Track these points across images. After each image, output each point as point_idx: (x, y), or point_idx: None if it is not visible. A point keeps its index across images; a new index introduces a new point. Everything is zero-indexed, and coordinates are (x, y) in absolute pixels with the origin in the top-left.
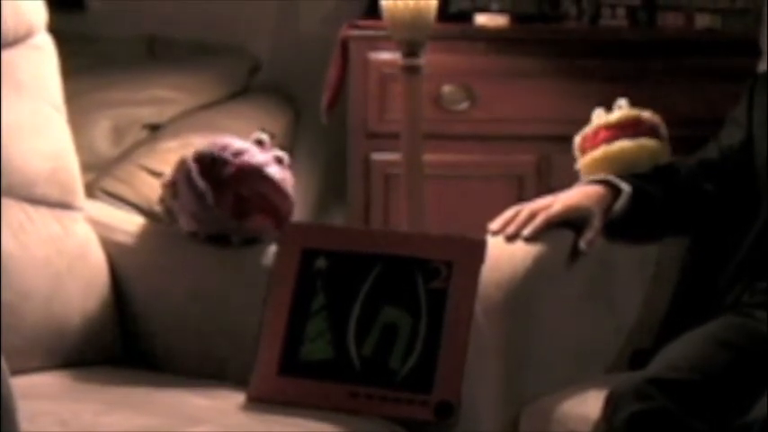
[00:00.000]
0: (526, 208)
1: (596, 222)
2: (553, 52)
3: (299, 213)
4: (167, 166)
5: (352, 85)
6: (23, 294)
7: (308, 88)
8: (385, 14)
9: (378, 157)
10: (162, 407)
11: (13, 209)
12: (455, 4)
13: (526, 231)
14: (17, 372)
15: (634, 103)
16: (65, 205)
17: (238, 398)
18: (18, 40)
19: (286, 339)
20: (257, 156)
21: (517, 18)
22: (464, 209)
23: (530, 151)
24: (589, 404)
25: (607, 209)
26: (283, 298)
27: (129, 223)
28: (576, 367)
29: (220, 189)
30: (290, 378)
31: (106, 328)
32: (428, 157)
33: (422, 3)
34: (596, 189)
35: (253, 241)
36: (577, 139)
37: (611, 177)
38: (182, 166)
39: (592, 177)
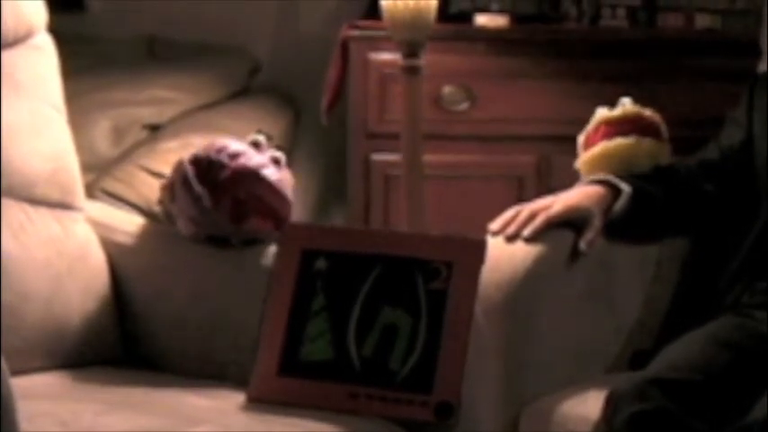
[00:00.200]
0: (526, 208)
1: (596, 223)
2: (553, 53)
3: (299, 214)
4: (167, 167)
5: (353, 86)
6: (24, 295)
7: (308, 89)
8: (385, 15)
9: (378, 157)
10: (162, 407)
11: (14, 209)
12: (455, 4)
13: (526, 232)
14: (17, 372)
15: (634, 103)
16: (65, 206)
17: (238, 398)
18: (18, 41)
19: (286, 340)
20: (254, 158)
21: (517, 18)
22: (464, 209)
23: (530, 152)
24: (589, 404)
25: (607, 209)
26: (283, 298)
27: (129, 224)
28: (576, 367)
29: (217, 192)
30: (290, 378)
31: (106, 329)
32: (428, 157)
33: (422, 3)
34: (596, 189)
35: (253, 242)
36: (581, 137)
37: (612, 177)
38: (179, 169)
39: (592, 177)
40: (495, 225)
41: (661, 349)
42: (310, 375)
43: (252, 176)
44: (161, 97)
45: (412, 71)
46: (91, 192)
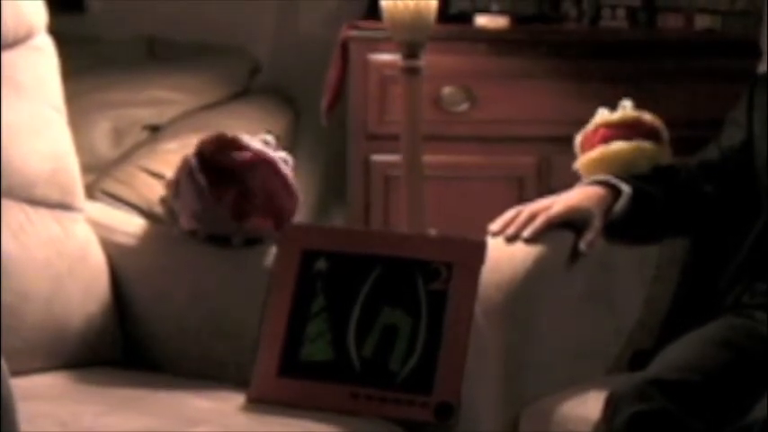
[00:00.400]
0: (526, 209)
1: (596, 223)
2: (553, 53)
3: (299, 214)
4: (167, 168)
5: (352, 87)
6: (23, 295)
7: (308, 89)
8: (385, 16)
9: (378, 158)
10: (162, 408)
11: (13, 210)
12: (455, 5)
13: (526, 233)
14: (17, 373)
15: (634, 104)
16: (65, 206)
17: (238, 399)
18: (18, 42)
19: (286, 340)
20: (270, 152)
21: (517, 19)
22: (464, 210)
23: (530, 152)
24: (589, 405)
25: (607, 210)
26: (283, 299)
27: (129, 224)
28: (577, 368)
29: (223, 183)
30: (291, 379)
31: (106, 330)
32: (428, 158)
33: (422, 4)
34: (596, 190)
35: (253, 242)
36: (579, 137)
37: (612, 178)
38: (185, 164)
39: (592, 178)
40: (495, 226)
41: (661, 350)
42: (310, 376)
43: (271, 165)
44: (161, 98)
45: (412, 72)
46: (91, 192)
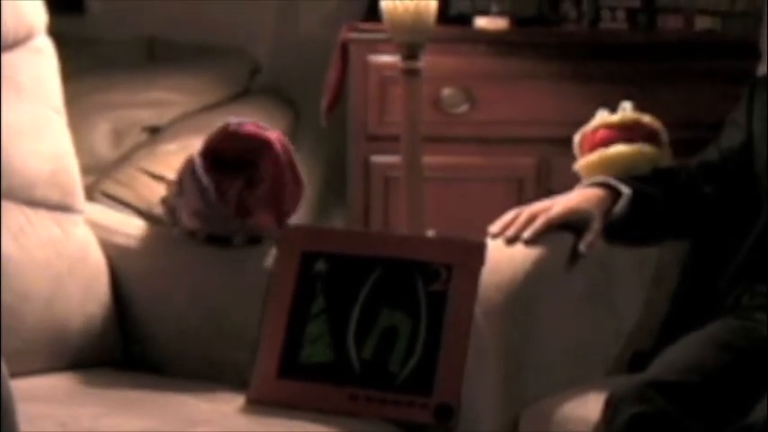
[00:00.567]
0: (526, 210)
1: (596, 225)
2: (553, 55)
3: (298, 216)
4: (167, 169)
5: (352, 88)
6: (23, 297)
7: (307, 91)
8: (385, 17)
9: (377, 159)
10: (162, 409)
11: (13, 211)
12: (455, 6)
13: (526, 234)
14: (17, 374)
15: (634, 105)
16: (65, 208)
17: (238, 400)
18: (18, 43)
19: (286, 342)
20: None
21: (517, 21)
22: (464, 211)
23: (530, 154)
24: (589, 406)
25: (607, 211)
26: (283, 301)
27: (128, 226)
28: (576, 369)
29: (229, 175)
30: (290, 381)
31: (106, 331)
32: (428, 159)
33: (422, 5)
34: (596, 192)
35: (254, 241)
36: (577, 137)
37: (611, 180)
38: (188, 163)
39: (592, 180)
40: (494, 227)
41: (661, 351)
42: (310, 377)
43: (281, 143)
44: (161, 99)
45: (412, 73)
46: (91, 194)
